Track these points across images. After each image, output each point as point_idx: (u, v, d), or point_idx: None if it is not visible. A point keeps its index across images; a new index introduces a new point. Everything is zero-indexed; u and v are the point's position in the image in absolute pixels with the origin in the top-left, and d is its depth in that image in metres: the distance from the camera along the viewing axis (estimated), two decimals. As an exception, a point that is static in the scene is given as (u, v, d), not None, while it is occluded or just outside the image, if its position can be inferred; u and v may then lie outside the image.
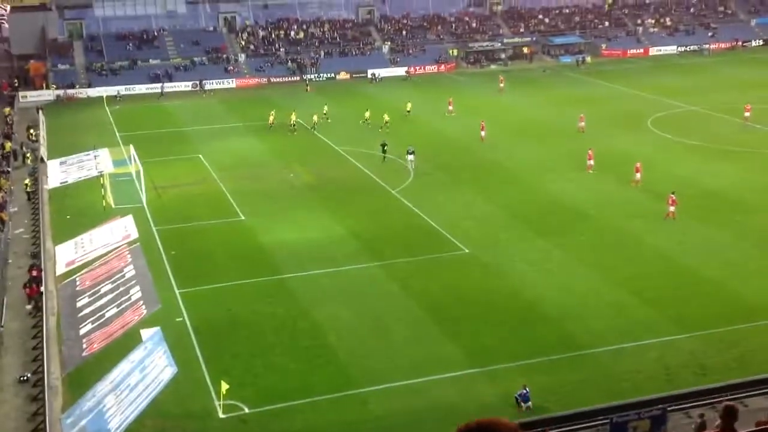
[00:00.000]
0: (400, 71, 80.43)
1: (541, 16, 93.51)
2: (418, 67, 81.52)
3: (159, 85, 73.84)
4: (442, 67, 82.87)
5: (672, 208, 39.01)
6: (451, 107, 62.53)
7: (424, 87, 73.69)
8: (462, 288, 33.10)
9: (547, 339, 28.73)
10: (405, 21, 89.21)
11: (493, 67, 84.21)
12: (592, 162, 47.02)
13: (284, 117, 59.14)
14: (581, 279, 33.45)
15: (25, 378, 26.87)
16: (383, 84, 76.14)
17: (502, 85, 71.74)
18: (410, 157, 48.02)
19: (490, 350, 28.21)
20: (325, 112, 60.79)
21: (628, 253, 36.00)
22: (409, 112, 61.46)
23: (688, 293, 32.12)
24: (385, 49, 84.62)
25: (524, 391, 24.75)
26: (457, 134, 56.77)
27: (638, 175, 44.22)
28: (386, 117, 57.51)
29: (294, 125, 57.91)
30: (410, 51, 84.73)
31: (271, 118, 59.04)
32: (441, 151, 52.60)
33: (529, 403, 24.66)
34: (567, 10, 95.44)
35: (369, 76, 78.54)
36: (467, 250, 36.69)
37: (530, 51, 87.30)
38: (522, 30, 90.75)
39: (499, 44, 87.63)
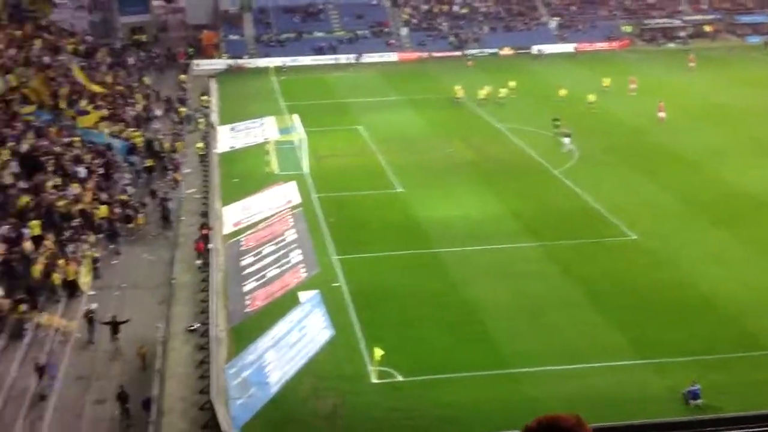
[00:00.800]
0: (568, 48, 77.92)
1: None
2: (587, 44, 78.71)
3: (324, 56, 75.34)
4: (614, 44, 79.58)
5: None
6: (633, 86, 59.60)
7: (593, 65, 70.53)
8: (627, 275, 31.77)
9: (722, 335, 27.12)
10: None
11: (671, 45, 79.63)
12: None
13: (460, 92, 58.43)
14: (764, 274, 31.18)
15: (194, 328, 28.27)
16: (548, 60, 74.05)
17: (692, 64, 67.59)
18: (566, 140, 46.62)
19: (656, 342, 26.88)
20: (512, 86, 59.22)
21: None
22: (606, 87, 59.16)
23: None
24: (552, 24, 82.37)
25: (694, 388, 23.41)
26: (631, 115, 54.09)
27: None
28: (591, 98, 55.44)
29: (485, 99, 57.25)
30: (579, 27, 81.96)
31: (460, 92, 58.58)
32: (612, 132, 50.58)
33: (699, 400, 23.32)
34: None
35: (534, 52, 76.68)
36: (634, 237, 35.17)
37: (713, 29, 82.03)
38: (704, 7, 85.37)
39: (679, 21, 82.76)
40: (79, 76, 47.97)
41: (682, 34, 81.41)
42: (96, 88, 50.26)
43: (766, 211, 37.31)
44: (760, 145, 46.35)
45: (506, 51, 77.39)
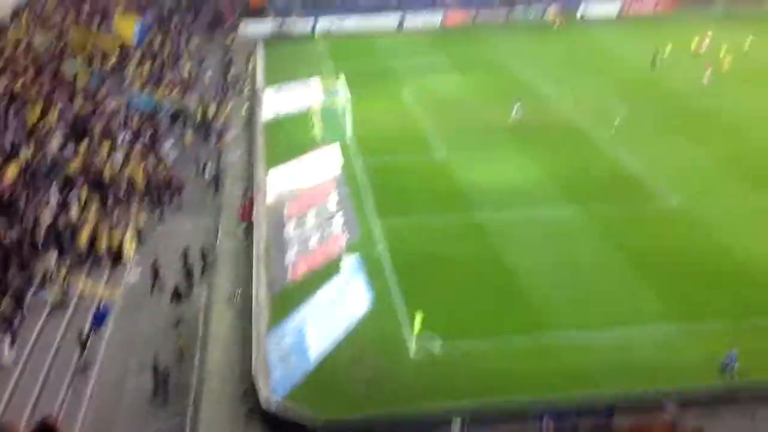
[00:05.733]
0: (613, 9, 75.88)
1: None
2: (634, 4, 76.25)
3: (368, 16, 74.48)
4: (660, 5, 76.95)
5: None
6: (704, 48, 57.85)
7: (638, 27, 69.58)
8: (667, 241, 31.70)
9: (758, 301, 27.07)
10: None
11: (716, 8, 75.66)
12: None
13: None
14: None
15: (236, 296, 28.75)
16: (590, 24, 72.34)
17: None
18: (515, 106, 45.99)
19: (695, 308, 27.08)
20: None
21: None
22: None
23: None
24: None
25: (731, 353, 23.40)
26: (676, 80, 53.23)
27: None
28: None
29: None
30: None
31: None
32: (655, 96, 49.96)
33: (735, 366, 23.27)
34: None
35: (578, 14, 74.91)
36: (674, 202, 35.04)
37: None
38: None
39: None
40: (119, 27, 46.88)
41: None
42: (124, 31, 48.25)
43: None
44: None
45: (552, 14, 75.27)
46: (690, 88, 51.08)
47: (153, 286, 28.53)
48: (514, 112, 45.83)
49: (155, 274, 28.65)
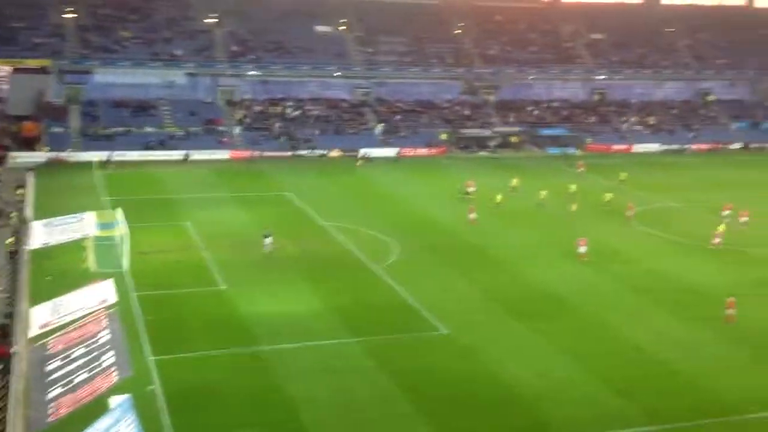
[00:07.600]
0: (391, 152, 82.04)
1: (530, 108, 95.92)
2: (409, 149, 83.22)
3: (154, 152, 74.55)
4: (433, 150, 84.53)
5: (731, 311, 38.26)
6: (471, 188, 63.74)
7: (414, 168, 75.26)
8: (439, 368, 32.71)
9: (521, 424, 28.35)
10: (399, 104, 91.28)
11: (481, 153, 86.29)
12: (583, 249, 48.06)
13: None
14: (558, 365, 33.11)
15: (-12, 440, 26.24)
16: (373, 164, 77.53)
17: (581, 169, 76.00)
18: (267, 240, 47.42)
19: (463, 432, 27.81)
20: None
21: (606, 344, 35.63)
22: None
23: (660, 386, 31.61)
24: (378, 129, 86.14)
25: None
26: (447, 217, 57.83)
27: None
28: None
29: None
30: (402, 133, 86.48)
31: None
32: (428, 232, 53.64)
33: None
34: (556, 104, 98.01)
35: (360, 154, 79.83)
36: (446, 331, 36.54)
37: (518, 140, 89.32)
38: (512, 120, 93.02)
39: (489, 132, 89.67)
40: None
41: (492, 143, 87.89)
42: None
43: (561, 308, 39.91)
44: (559, 247, 50.26)
45: (336, 153, 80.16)
46: (458, 225, 55.27)
47: None
48: (265, 245, 46.70)
49: None
